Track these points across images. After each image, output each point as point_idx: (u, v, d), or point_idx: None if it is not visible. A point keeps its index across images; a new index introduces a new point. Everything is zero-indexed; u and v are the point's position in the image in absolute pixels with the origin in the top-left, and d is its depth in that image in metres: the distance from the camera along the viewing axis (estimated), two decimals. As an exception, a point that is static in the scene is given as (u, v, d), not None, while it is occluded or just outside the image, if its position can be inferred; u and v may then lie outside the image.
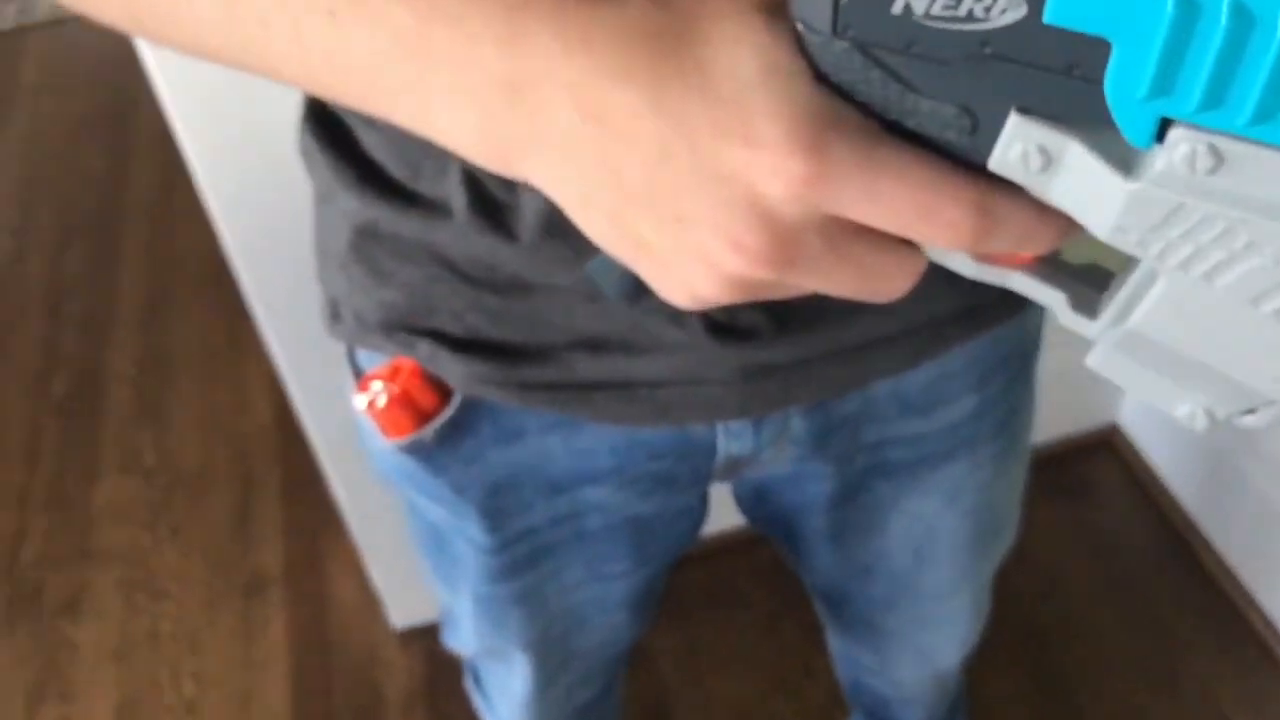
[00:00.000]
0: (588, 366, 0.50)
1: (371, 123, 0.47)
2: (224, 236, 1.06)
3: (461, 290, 0.49)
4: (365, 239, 0.50)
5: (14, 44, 2.65)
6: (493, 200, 0.45)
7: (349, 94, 0.32)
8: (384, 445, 0.56)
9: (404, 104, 0.31)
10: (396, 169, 0.47)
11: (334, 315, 0.55)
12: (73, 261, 2.08)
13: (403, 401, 0.51)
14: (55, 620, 1.54)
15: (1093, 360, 0.31)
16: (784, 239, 0.28)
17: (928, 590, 0.71)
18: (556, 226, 0.44)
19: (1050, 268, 0.32)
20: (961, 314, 0.53)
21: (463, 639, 0.72)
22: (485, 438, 0.55)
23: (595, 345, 0.50)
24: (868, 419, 0.59)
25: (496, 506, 0.58)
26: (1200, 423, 0.31)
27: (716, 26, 0.27)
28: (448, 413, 0.53)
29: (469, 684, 0.88)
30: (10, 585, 1.58)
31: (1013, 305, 0.55)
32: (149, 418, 1.78)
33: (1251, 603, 1.37)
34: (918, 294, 0.49)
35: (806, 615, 1.40)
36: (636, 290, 0.35)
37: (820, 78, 0.27)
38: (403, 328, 0.51)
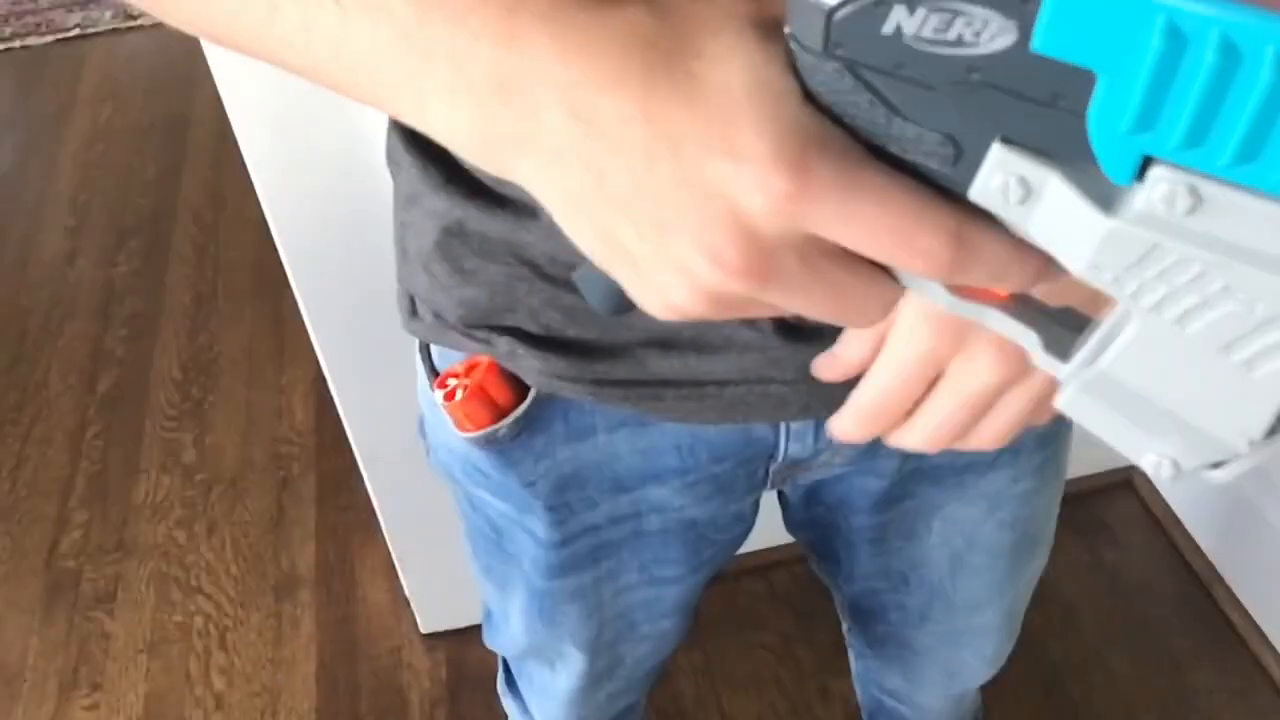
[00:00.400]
0: (659, 364, 0.53)
1: None
2: (278, 242, 1.10)
3: (541, 288, 0.52)
4: (451, 238, 0.52)
5: (77, 51, 2.74)
6: None
7: (352, 86, 0.33)
8: (455, 439, 0.59)
9: (403, 98, 0.32)
10: (483, 172, 0.49)
11: (411, 312, 0.58)
12: (123, 263, 2.14)
13: (480, 396, 0.54)
14: (90, 611, 1.58)
15: (1061, 402, 0.31)
16: (761, 255, 0.28)
17: (962, 601, 0.73)
18: None
19: (1025, 307, 0.32)
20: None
21: (509, 638, 0.74)
22: (557, 434, 0.58)
23: (667, 344, 0.52)
24: None
25: (563, 502, 0.61)
26: (1165, 473, 0.30)
27: (711, 40, 0.28)
28: (523, 408, 0.56)
29: (501, 687, 0.90)
30: (49, 574, 1.63)
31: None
32: (191, 418, 1.83)
33: (1268, 646, 1.38)
34: None
35: (823, 640, 1.43)
36: (621, 302, 0.35)
37: (809, 97, 0.27)
38: (482, 325, 0.54)
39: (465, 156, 0.32)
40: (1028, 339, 0.31)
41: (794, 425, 0.58)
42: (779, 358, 0.52)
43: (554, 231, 0.48)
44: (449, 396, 0.55)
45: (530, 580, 0.67)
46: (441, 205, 0.51)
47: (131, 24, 2.79)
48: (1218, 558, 1.45)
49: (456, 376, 0.55)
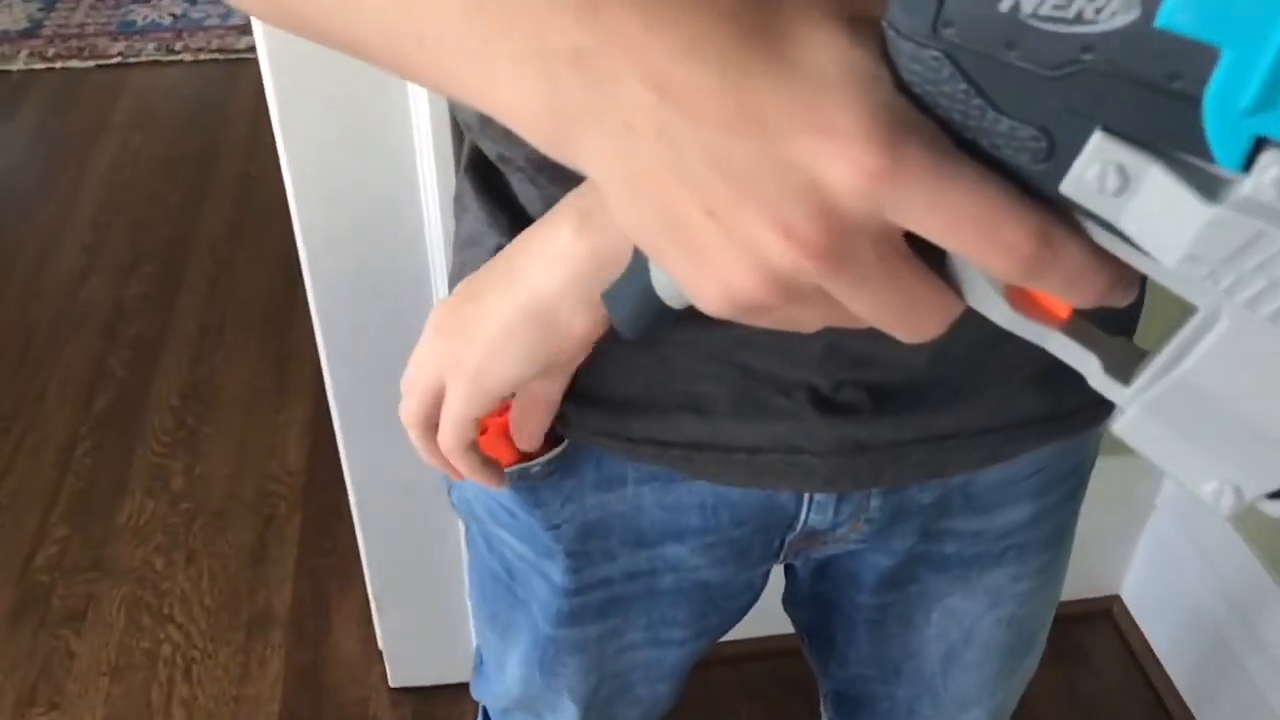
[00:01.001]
0: (693, 427, 0.55)
1: (528, 178, 0.52)
2: (307, 275, 1.13)
3: None
4: None
5: (116, 79, 2.79)
6: None
7: (420, 60, 0.33)
8: None
9: (472, 69, 0.31)
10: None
11: None
12: (136, 285, 2.15)
13: (506, 433, 0.56)
14: (58, 628, 1.56)
15: (1120, 426, 0.30)
16: (839, 235, 0.27)
17: (952, 698, 0.74)
18: None
19: (1083, 329, 0.31)
20: (1044, 420, 0.57)
21: (501, 688, 0.74)
22: (587, 480, 0.59)
23: (702, 408, 0.54)
24: (937, 509, 0.63)
25: (584, 550, 0.62)
26: (1226, 502, 0.29)
27: (802, 26, 0.27)
28: (559, 449, 0.57)
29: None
30: (21, 587, 1.61)
31: (1090, 418, 0.60)
32: (183, 446, 1.83)
33: (1235, 794, 1.37)
34: (1008, 396, 0.56)
35: (795, 735, 1.42)
36: (648, 322, 0.36)
37: (901, 87, 0.27)
38: None
39: (529, 135, 0.31)
40: (1088, 361, 0.30)
41: (818, 496, 0.60)
42: (811, 429, 0.54)
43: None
44: (481, 430, 0.56)
45: (537, 627, 0.67)
46: (501, 242, 0.54)
47: (172, 57, 2.85)
48: (1192, 700, 1.46)
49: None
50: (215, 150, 2.53)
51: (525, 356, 0.47)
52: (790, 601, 0.79)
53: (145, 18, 3.02)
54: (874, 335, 0.50)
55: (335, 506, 1.67)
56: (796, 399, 0.53)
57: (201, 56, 2.86)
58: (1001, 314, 0.31)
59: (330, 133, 1.05)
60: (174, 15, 3.03)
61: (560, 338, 0.46)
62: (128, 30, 2.96)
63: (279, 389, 1.93)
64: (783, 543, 0.64)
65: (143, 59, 2.85)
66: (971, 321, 0.52)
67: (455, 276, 0.59)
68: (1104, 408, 0.60)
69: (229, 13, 3.03)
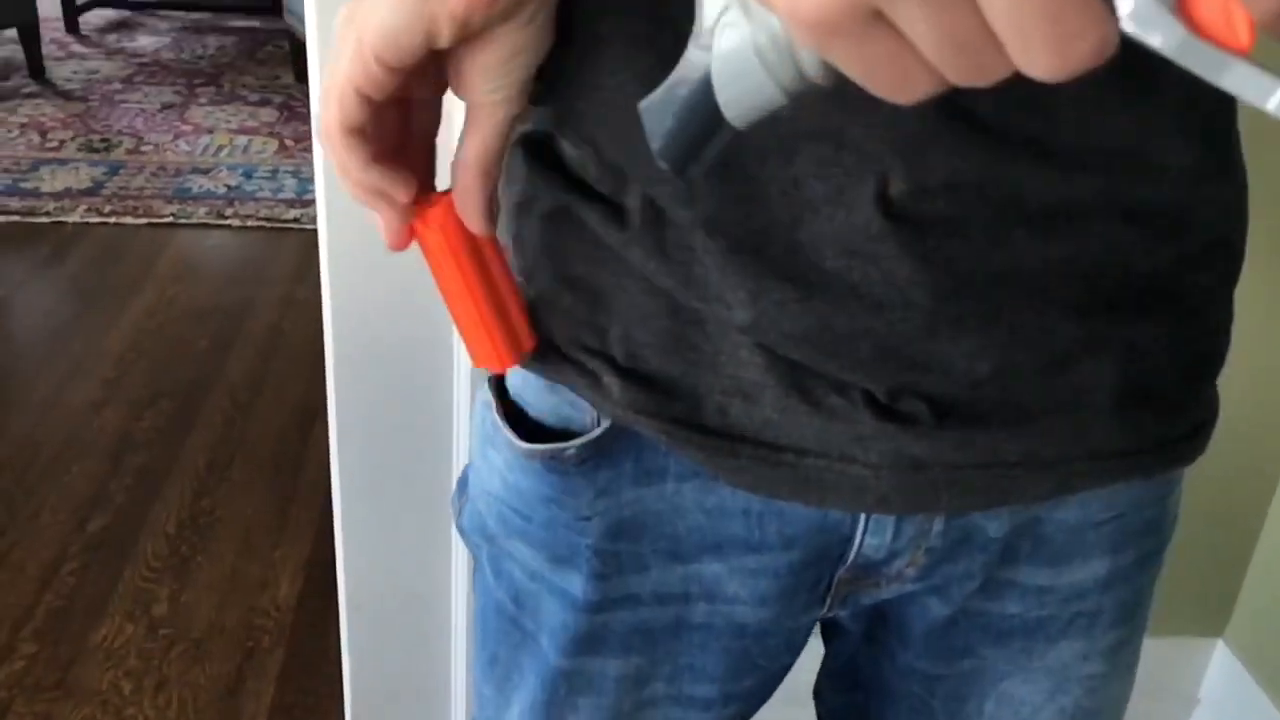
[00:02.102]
0: (740, 416, 0.51)
1: (579, 143, 0.50)
2: (332, 412, 1.15)
3: (641, 302, 0.50)
4: (562, 238, 0.52)
5: (164, 237, 2.88)
6: (672, 223, 0.48)
7: None
8: (506, 470, 0.56)
9: None
10: (600, 183, 0.50)
11: None
12: (149, 419, 2.14)
13: (453, 210, 0.49)
14: (7, 748, 1.45)
15: None
16: None
17: None
18: (736, 257, 0.47)
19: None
20: (1121, 454, 0.53)
21: None
22: (625, 473, 0.54)
23: (749, 395, 0.50)
24: (1004, 549, 0.57)
25: (613, 551, 0.56)
26: None
27: None
28: (598, 431, 0.53)
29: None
30: (-24, 702, 1.51)
31: (1174, 456, 0.55)
32: (173, 573, 1.76)
33: None
34: (1082, 422, 0.52)
35: None
36: (695, 145, 0.33)
37: None
38: (572, 342, 0.52)
39: None
40: (1272, 89, 0.26)
41: (873, 516, 0.55)
42: (865, 435, 0.50)
43: (662, 250, 0.48)
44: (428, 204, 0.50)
45: (545, 662, 0.60)
46: (556, 197, 0.52)
47: (221, 222, 2.95)
48: None
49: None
50: (248, 305, 2.57)
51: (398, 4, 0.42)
52: (825, 680, 0.71)
53: (201, 186, 3.15)
54: (927, 332, 0.48)
55: (321, 646, 1.58)
56: (851, 398, 0.50)
57: (249, 223, 2.96)
58: (1172, 36, 0.25)
59: (376, 292, 1.14)
60: (229, 186, 3.16)
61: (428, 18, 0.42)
62: (183, 195, 3.08)
63: (279, 526, 1.87)
64: (831, 581, 0.58)
65: (192, 221, 2.94)
66: (1040, 335, 0.50)
67: (508, 242, 0.57)
68: (1190, 445, 0.56)
69: (280, 187, 3.16)
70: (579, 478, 0.55)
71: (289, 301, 2.59)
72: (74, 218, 2.91)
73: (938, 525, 0.55)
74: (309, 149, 3.30)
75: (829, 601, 0.59)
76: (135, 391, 2.22)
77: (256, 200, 3.08)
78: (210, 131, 3.55)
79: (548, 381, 0.55)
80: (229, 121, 3.66)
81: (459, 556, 1.21)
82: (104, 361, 2.32)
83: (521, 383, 0.56)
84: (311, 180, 2.97)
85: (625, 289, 0.51)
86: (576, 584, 0.57)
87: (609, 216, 0.50)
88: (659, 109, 0.35)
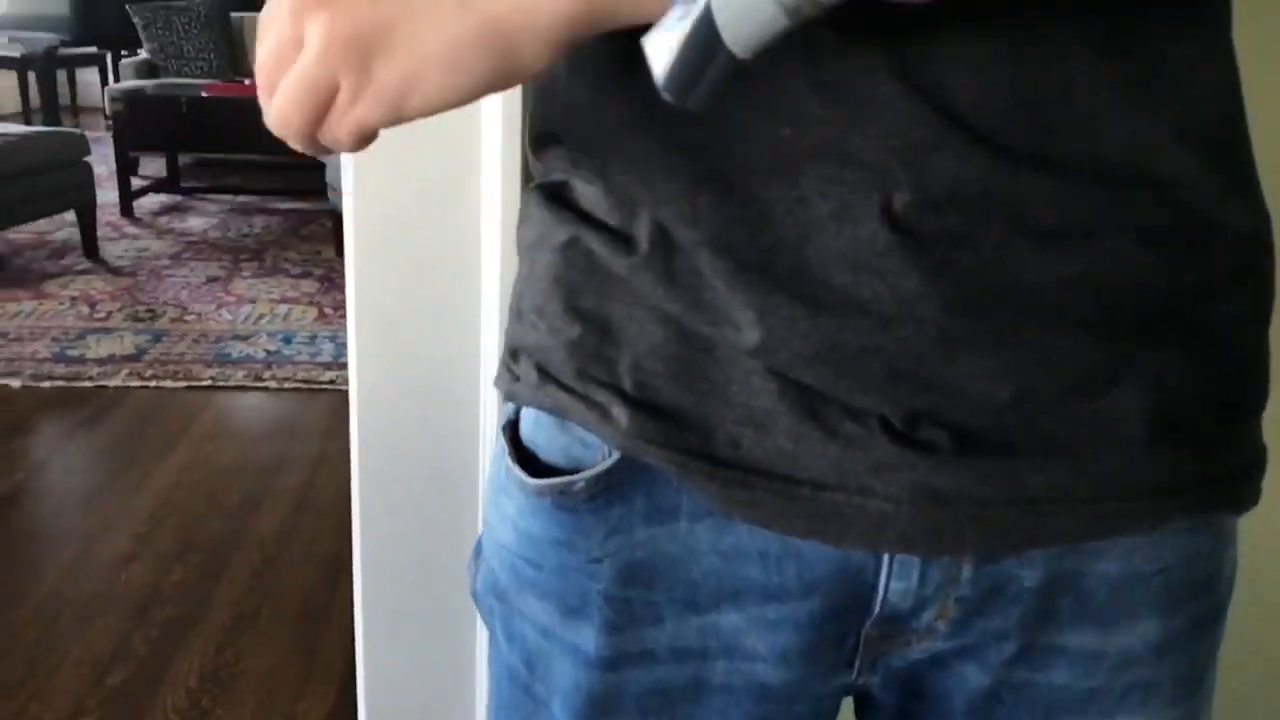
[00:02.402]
0: (753, 447, 0.49)
1: (592, 179, 0.51)
2: (357, 558, 1.17)
3: (651, 331, 0.50)
4: (570, 270, 0.52)
5: (202, 399, 2.92)
6: (679, 248, 0.48)
7: None
8: (518, 518, 0.55)
9: None
10: (610, 215, 0.50)
11: (510, 371, 0.57)
12: (177, 573, 2.11)
13: None
14: None
15: None
16: None
17: None
18: (743, 276, 0.47)
19: None
20: (1160, 491, 0.50)
21: None
22: (636, 509, 0.53)
23: (762, 424, 0.49)
24: (1042, 605, 0.54)
25: (624, 598, 0.54)
26: None
27: None
28: (606, 464, 0.52)
29: None
30: None
31: (1219, 497, 0.53)
32: (190, 726, 1.70)
33: None
34: (1113, 455, 0.50)
35: None
36: (689, 76, 0.33)
37: None
38: (584, 374, 0.52)
39: None
40: None
41: (898, 558, 0.52)
42: (882, 464, 0.49)
43: (670, 275, 0.48)
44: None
45: None
46: (568, 230, 0.52)
47: (258, 384, 3.00)
48: None
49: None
50: (281, 461, 2.58)
51: (464, 86, 0.40)
52: None
53: (240, 351, 3.22)
54: (940, 349, 0.47)
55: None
56: (867, 425, 0.48)
57: (285, 385, 3.00)
58: None
59: (403, 448, 1.20)
60: (268, 351, 3.23)
61: (505, 75, 0.40)
62: (222, 359, 3.15)
63: (302, 679, 1.82)
64: (858, 638, 0.55)
65: (230, 384, 2.99)
66: (1059, 357, 0.49)
67: (515, 302, 0.57)
68: (1234, 489, 0.53)
69: (318, 351, 3.22)
70: (589, 515, 0.53)
71: (320, 458, 2.59)
72: (116, 381, 2.97)
73: (966, 571, 0.52)
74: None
75: (857, 665, 0.56)
76: (164, 545, 2.21)
77: (294, 364, 3.13)
78: (252, 301, 3.65)
79: (558, 420, 0.54)
80: (270, 292, 3.76)
81: (483, 704, 1.18)
82: (135, 517, 2.32)
83: (533, 427, 0.56)
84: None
85: (634, 318, 0.50)
86: (589, 637, 0.54)
87: (617, 243, 0.50)
88: (660, 41, 0.35)
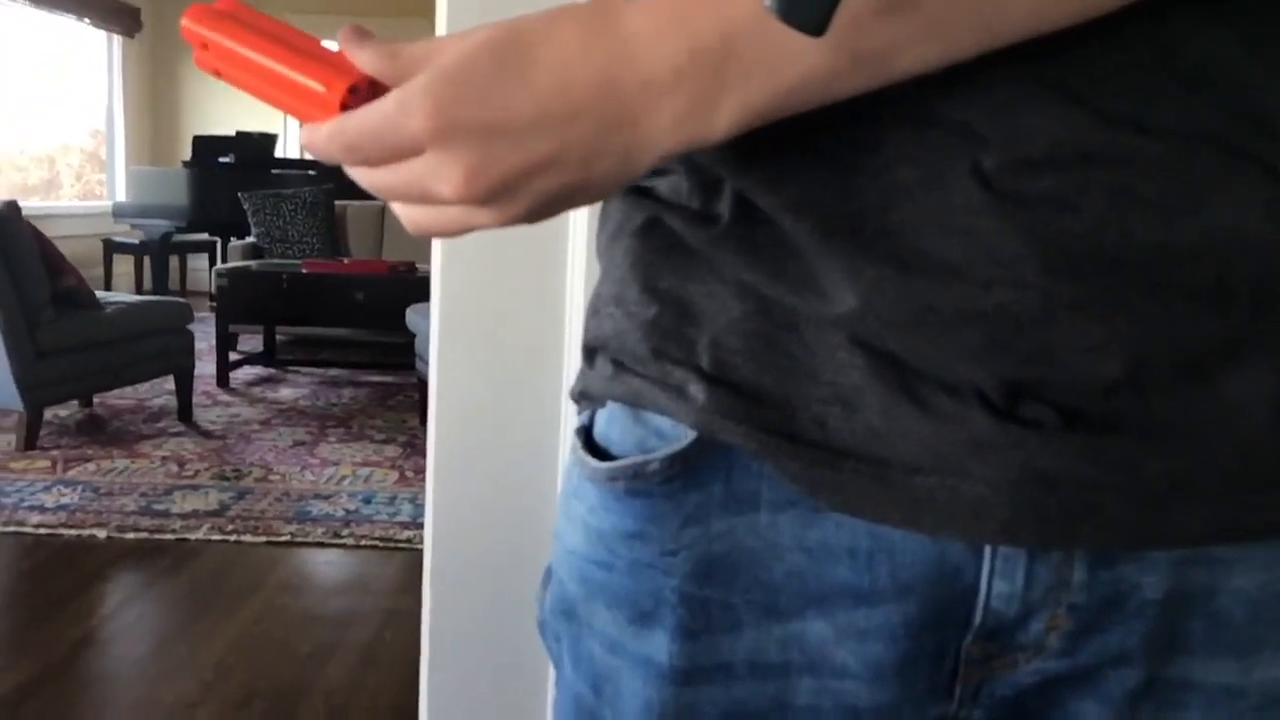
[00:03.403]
0: (840, 426, 0.46)
1: (672, 165, 0.50)
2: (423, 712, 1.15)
3: (731, 307, 0.48)
4: (650, 252, 0.51)
5: (279, 554, 2.92)
6: (762, 215, 0.47)
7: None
8: (595, 501, 0.52)
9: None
10: (690, 198, 0.49)
11: (585, 374, 0.55)
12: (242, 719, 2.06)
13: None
14: None
15: None
16: None
17: None
18: (828, 241, 0.45)
19: None
20: None
21: None
22: (714, 496, 0.49)
23: (849, 401, 0.46)
24: (1168, 626, 0.48)
25: (701, 599, 0.50)
26: None
27: None
28: (683, 444, 0.49)
29: None
30: None
31: None
32: None
33: None
34: (1242, 440, 0.46)
35: None
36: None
37: None
38: (661, 354, 0.50)
39: None
40: None
41: (1001, 554, 0.47)
42: (983, 441, 0.45)
43: (753, 243, 0.47)
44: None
45: None
46: (647, 210, 0.51)
47: (335, 540, 2.99)
48: None
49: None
50: (353, 615, 2.54)
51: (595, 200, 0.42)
52: None
53: (321, 509, 3.23)
54: (1042, 315, 0.44)
55: None
56: (964, 399, 0.45)
57: (362, 542, 2.99)
58: None
59: (473, 605, 1.23)
60: (347, 510, 3.23)
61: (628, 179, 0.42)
62: (302, 517, 3.16)
63: (360, 832, 1.73)
64: (958, 656, 0.50)
65: (309, 540, 2.99)
66: (1172, 329, 0.45)
67: (593, 302, 0.56)
68: None
69: (397, 511, 3.22)
70: (664, 501, 0.50)
71: (392, 612, 2.55)
72: (198, 535, 2.99)
73: (1079, 573, 0.47)
74: (427, 478, 3.39)
75: (958, 692, 0.50)
76: (231, 693, 2.16)
77: (372, 522, 3.13)
78: (335, 464, 3.70)
79: (632, 412, 0.51)
80: (354, 456, 3.81)
81: None
82: (204, 664, 2.28)
83: (607, 423, 0.53)
84: (427, 502, 3.02)
85: (714, 294, 0.49)
86: (661, 645, 0.50)
87: (698, 220, 0.49)
88: None
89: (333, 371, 5.24)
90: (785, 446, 0.47)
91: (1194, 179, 0.43)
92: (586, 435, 0.54)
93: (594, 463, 0.52)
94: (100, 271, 7.26)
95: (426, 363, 3.76)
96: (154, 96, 8.61)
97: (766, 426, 0.47)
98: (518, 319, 1.43)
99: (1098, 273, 0.43)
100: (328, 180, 6.22)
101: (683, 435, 0.49)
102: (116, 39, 8.22)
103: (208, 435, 4.03)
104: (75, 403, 4.27)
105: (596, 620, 0.53)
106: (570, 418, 1.17)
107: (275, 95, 0.46)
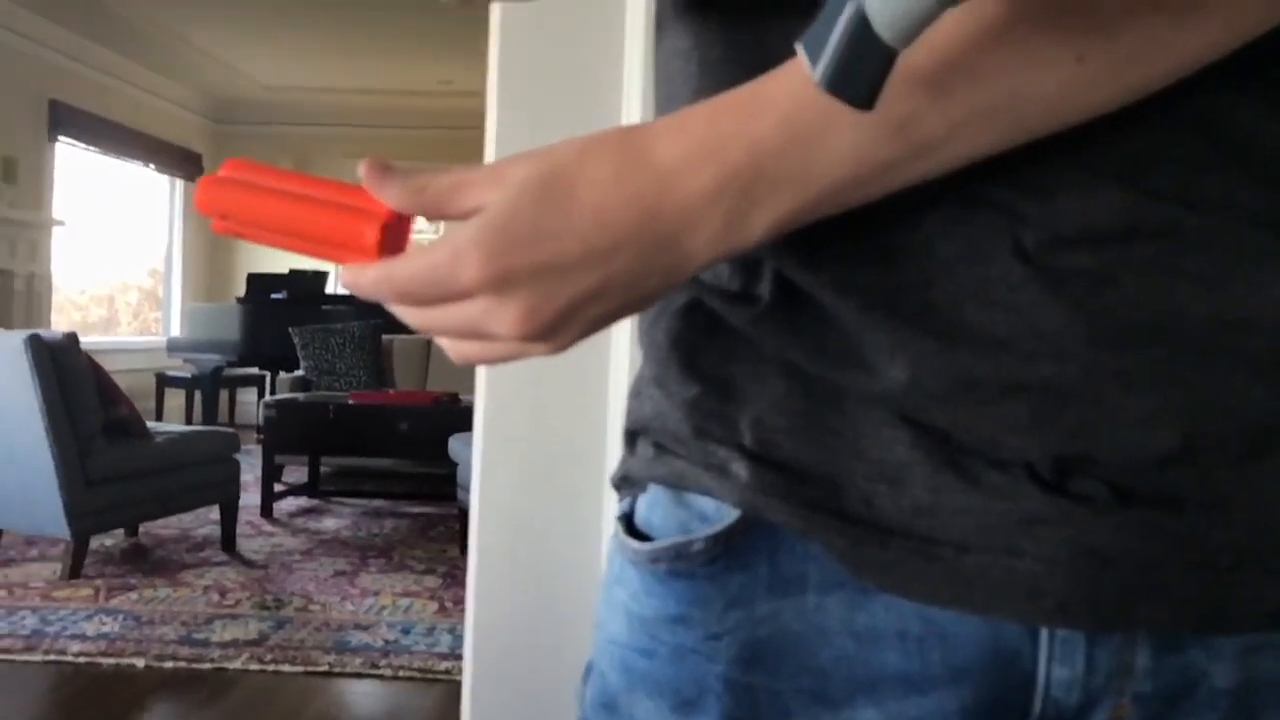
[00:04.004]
0: (887, 502, 0.46)
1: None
2: None
3: (774, 385, 0.48)
4: (689, 329, 0.51)
5: (317, 684, 2.88)
6: (802, 292, 0.48)
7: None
8: (637, 587, 0.51)
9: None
10: (731, 281, 0.50)
11: (629, 448, 0.55)
12: None
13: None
14: None
15: None
16: None
17: None
18: (870, 315, 0.46)
19: None
20: None
21: None
22: (759, 578, 0.49)
23: (898, 478, 0.46)
24: (1244, 713, 0.46)
25: (747, 686, 0.48)
26: None
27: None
28: (726, 524, 0.49)
29: None
30: None
31: None
32: None
33: None
34: None
35: None
36: (847, 73, 0.33)
37: None
38: (699, 434, 0.50)
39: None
40: None
41: (1059, 637, 0.46)
42: (1034, 518, 0.44)
43: (793, 322, 0.48)
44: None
45: None
46: (685, 299, 0.52)
47: (373, 671, 2.95)
48: None
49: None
50: (390, 748, 2.48)
51: (714, 238, 0.42)
52: None
53: (360, 639, 3.19)
54: (1090, 388, 0.44)
55: None
56: (1012, 474, 0.45)
57: (400, 673, 2.94)
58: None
59: None
60: (386, 640, 3.19)
61: (740, 234, 0.43)
62: (341, 647, 3.12)
63: None
64: None
65: (347, 670, 2.95)
66: (1229, 401, 0.45)
67: (634, 386, 0.56)
68: None
69: (436, 642, 3.18)
70: (707, 583, 0.49)
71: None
72: (236, 664, 2.96)
73: (1143, 658, 0.46)
74: (467, 608, 3.34)
75: None
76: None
77: (411, 653, 3.09)
78: (376, 594, 3.67)
79: (674, 494, 0.51)
80: (394, 586, 3.79)
81: None
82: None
83: (648, 508, 0.53)
84: (466, 632, 2.98)
85: (757, 374, 0.49)
86: None
87: (738, 298, 0.49)
88: (815, 40, 0.35)
89: (375, 502, 5.25)
90: (832, 524, 0.47)
91: (1241, 251, 0.43)
92: (628, 522, 0.54)
93: (636, 544, 0.52)
94: (152, 404, 7.39)
95: (468, 492, 3.76)
96: (211, 236, 8.91)
97: (812, 504, 0.47)
98: (560, 445, 1.43)
99: (1144, 344, 0.43)
100: (376, 315, 6.35)
101: (726, 516, 0.49)
102: (179, 182, 8.57)
103: (250, 564, 4.03)
104: (121, 531, 4.30)
105: (638, 711, 0.52)
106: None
107: (306, 247, 0.47)
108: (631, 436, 0.55)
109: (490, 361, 0.47)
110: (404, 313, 0.46)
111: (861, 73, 0.36)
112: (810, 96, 0.40)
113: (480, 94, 1.88)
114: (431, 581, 3.87)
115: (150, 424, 4.08)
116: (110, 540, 4.28)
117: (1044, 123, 0.41)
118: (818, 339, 0.47)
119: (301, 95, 8.46)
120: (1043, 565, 0.44)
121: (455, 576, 3.90)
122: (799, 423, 0.48)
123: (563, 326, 0.43)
